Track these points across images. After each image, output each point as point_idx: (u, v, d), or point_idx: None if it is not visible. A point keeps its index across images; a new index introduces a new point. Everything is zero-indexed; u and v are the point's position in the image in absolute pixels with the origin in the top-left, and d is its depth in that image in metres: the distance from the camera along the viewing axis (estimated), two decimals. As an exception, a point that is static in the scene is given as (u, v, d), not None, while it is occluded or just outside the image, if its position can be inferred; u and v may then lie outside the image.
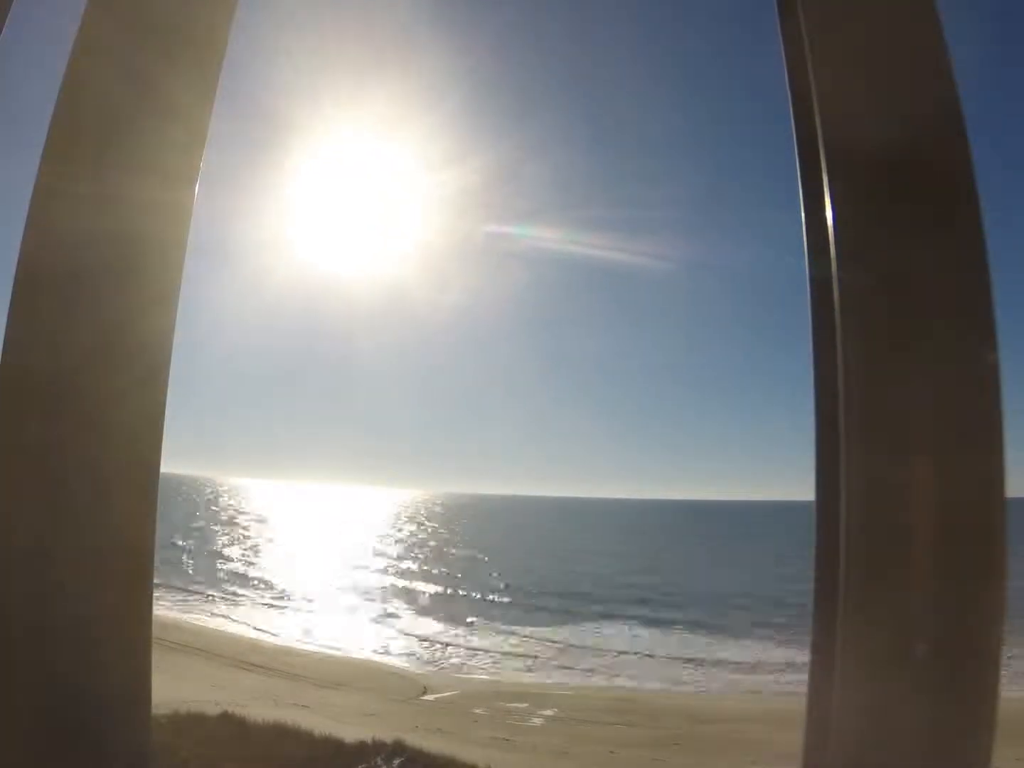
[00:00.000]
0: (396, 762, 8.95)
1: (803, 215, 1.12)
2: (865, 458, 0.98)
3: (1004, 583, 0.94)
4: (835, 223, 1.03)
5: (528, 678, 18.27)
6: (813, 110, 1.06)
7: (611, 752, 11.66)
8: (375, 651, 20.53)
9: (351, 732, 9.99)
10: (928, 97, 1.04)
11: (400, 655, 20.42)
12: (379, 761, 8.92)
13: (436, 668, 19.05)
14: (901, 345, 0.99)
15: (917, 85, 1.05)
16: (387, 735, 9.73)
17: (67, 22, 1.10)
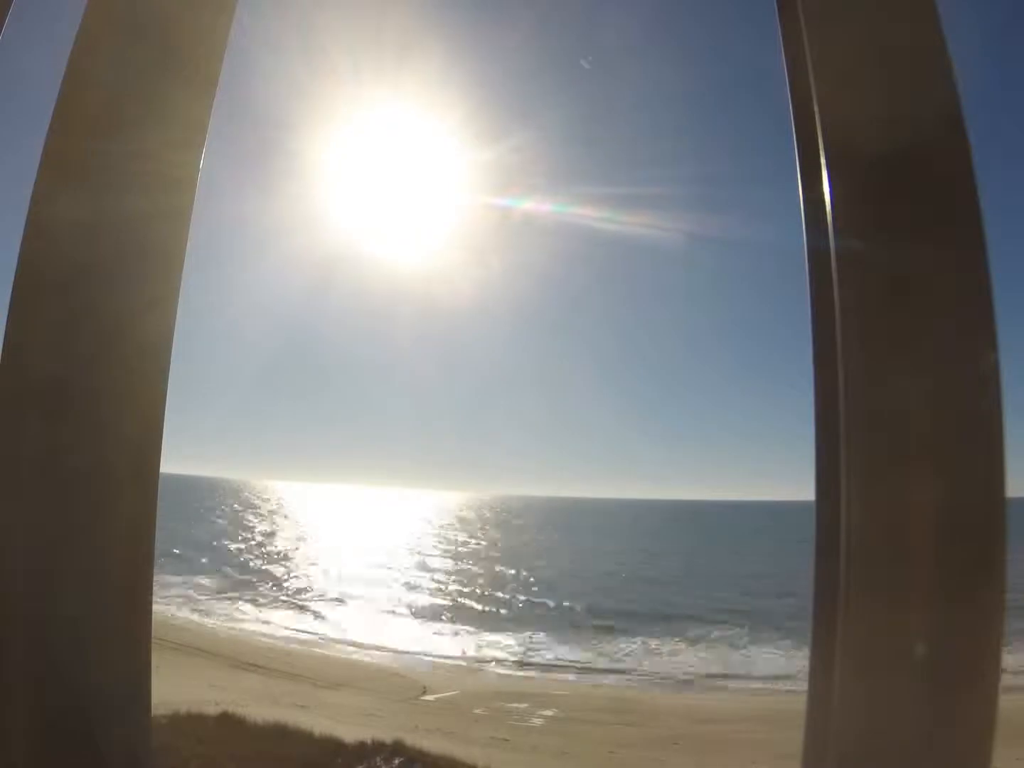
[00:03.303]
0: (396, 762, 8.95)
1: (803, 215, 1.12)
2: (865, 458, 0.98)
3: (1004, 583, 0.94)
4: (835, 223, 1.02)
5: (528, 678, 18.26)
6: (813, 110, 1.06)
7: (611, 752, 11.66)
8: (378, 651, 20.51)
9: (351, 732, 9.99)
10: (928, 97, 1.04)
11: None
12: (379, 761, 8.92)
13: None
14: (901, 345, 0.99)
15: (917, 85, 1.05)
16: (387, 735, 9.73)
17: (67, 22, 1.10)
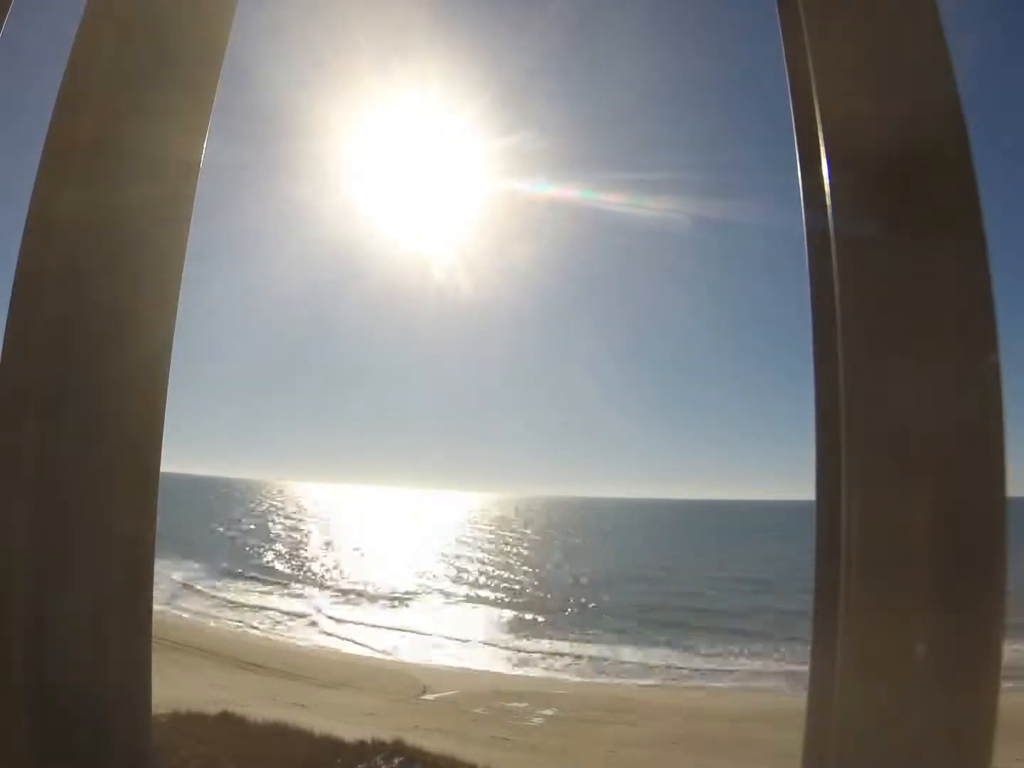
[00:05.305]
0: (396, 761, 8.95)
1: (803, 216, 1.12)
2: (865, 458, 0.98)
3: (1004, 584, 0.94)
4: (835, 224, 1.02)
5: (528, 678, 18.27)
6: (814, 111, 1.06)
7: (611, 752, 11.66)
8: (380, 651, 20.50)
9: (351, 731, 9.99)
10: (928, 97, 1.04)
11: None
12: (379, 760, 8.92)
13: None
14: (901, 345, 0.99)
15: (917, 85, 1.05)
16: (387, 734, 9.73)
17: (67, 22, 1.10)
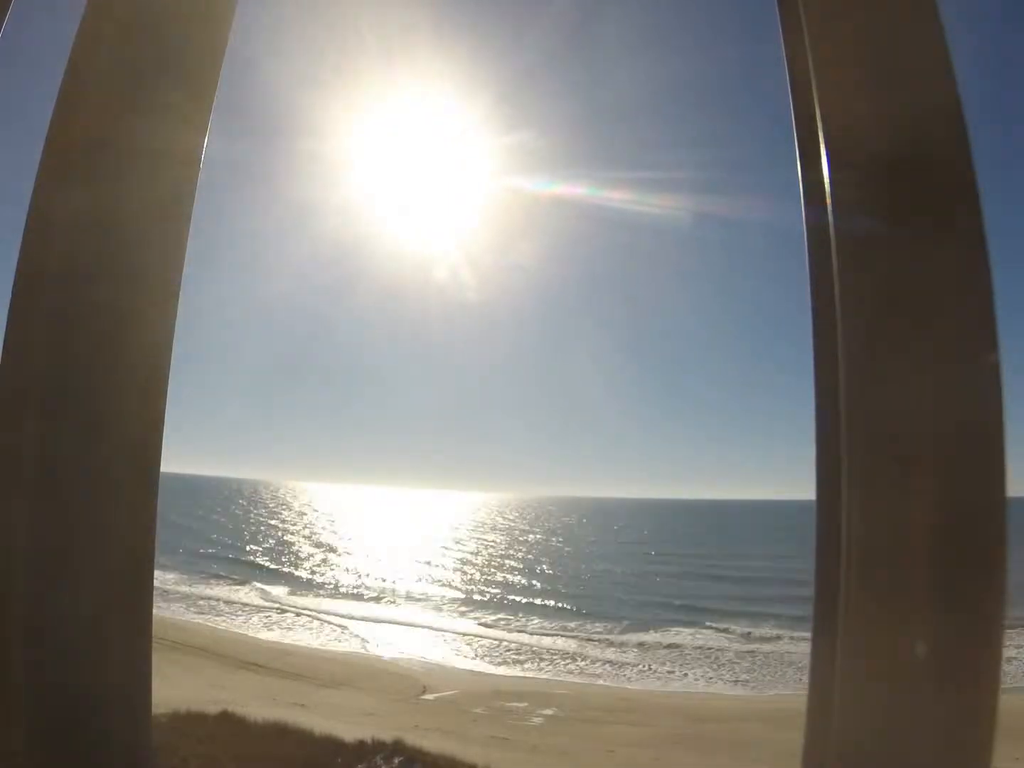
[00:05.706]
0: (396, 761, 8.95)
1: (803, 214, 1.12)
2: (865, 458, 0.98)
3: (1004, 583, 0.94)
4: (835, 222, 1.02)
5: (528, 678, 18.27)
6: (814, 109, 1.06)
7: (611, 751, 11.66)
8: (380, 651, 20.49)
9: (351, 731, 9.98)
10: (928, 97, 1.04)
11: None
12: (379, 760, 8.92)
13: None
14: (901, 345, 0.99)
15: (917, 85, 1.05)
16: (387, 734, 9.72)
17: (67, 22, 1.10)
